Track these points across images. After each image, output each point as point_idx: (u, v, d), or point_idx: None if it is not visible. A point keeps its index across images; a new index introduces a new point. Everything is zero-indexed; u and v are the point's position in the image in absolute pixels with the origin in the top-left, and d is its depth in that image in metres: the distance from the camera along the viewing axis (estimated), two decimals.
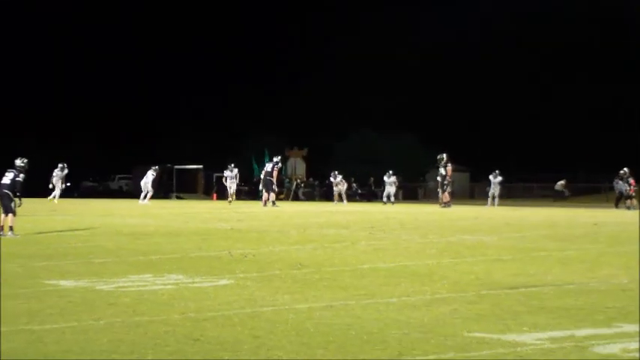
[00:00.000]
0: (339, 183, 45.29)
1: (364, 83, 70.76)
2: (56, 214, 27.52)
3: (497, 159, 56.96)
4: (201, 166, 63.98)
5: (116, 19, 75.37)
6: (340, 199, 44.54)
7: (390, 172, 45.64)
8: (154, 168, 41.82)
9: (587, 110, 66.48)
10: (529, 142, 66.45)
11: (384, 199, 44.10)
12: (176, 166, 62.41)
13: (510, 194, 53.71)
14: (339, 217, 27.10)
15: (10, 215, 19.03)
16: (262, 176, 38.14)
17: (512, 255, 14.75)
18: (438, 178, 37.88)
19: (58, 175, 41.29)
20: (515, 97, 67.89)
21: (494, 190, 43.01)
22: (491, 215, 28.76)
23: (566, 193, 54.64)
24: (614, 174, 44.07)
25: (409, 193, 59.45)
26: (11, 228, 18.90)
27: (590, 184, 56.88)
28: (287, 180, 58.19)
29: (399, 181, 46.95)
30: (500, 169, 43.90)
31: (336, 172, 45.44)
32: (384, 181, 45.69)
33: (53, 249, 16.13)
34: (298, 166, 61.30)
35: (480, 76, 68.26)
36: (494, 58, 68.25)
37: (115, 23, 75.25)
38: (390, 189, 44.70)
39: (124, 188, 69.46)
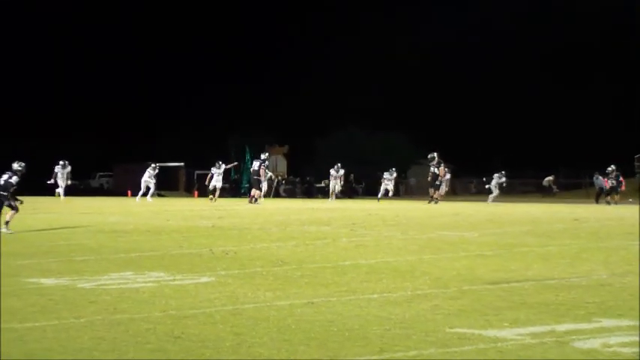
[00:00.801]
0: (338, 177, 43.99)
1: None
2: (38, 212, 27.40)
3: (481, 156, 57.19)
4: (182, 164, 63.87)
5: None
6: (332, 195, 43.54)
7: (393, 169, 45.55)
8: (153, 165, 41.71)
9: (568, 108, 66.81)
10: (512, 139, 66.65)
11: (380, 195, 43.89)
12: (157, 164, 62.25)
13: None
14: (321, 214, 27.12)
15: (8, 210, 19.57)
16: (250, 175, 38.23)
17: (493, 251, 14.80)
18: (430, 176, 37.98)
19: (60, 172, 41.22)
20: (501, 95, 68.06)
21: (494, 188, 43.14)
22: (473, 212, 28.84)
23: (554, 189, 54.87)
24: (594, 170, 44.38)
25: None
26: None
27: (571, 180, 57.21)
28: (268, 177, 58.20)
29: (382, 178, 46.76)
30: (484, 167, 44.17)
31: (339, 165, 44.33)
32: (383, 177, 45.37)
33: (34, 247, 16.07)
34: (279, 164, 61.38)
35: (469, 76, 68.35)
36: (487, 59, 68.40)
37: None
38: (389, 186, 44.46)
39: (105, 186, 69.23)
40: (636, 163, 57.49)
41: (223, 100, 74.03)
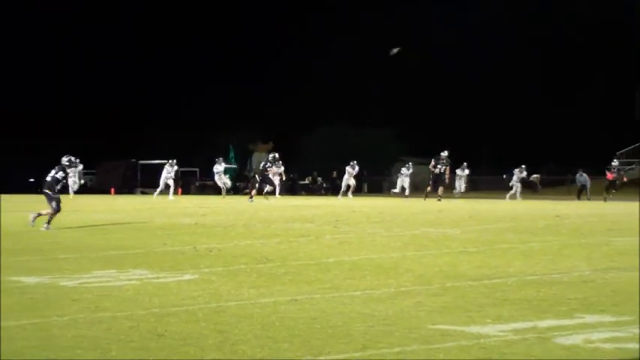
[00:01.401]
0: (353, 174, 43.26)
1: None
2: (21, 211, 27.28)
3: (466, 153, 57.16)
4: (166, 161, 63.67)
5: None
6: (346, 192, 42.97)
7: (410, 163, 45.05)
8: (170, 162, 41.45)
9: (553, 106, 67.05)
10: (501, 136, 66.66)
11: (398, 191, 43.24)
12: (140, 161, 62.12)
13: (477, 187, 53.93)
14: (305, 211, 27.13)
15: (49, 210, 19.90)
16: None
17: (476, 247, 14.84)
18: (435, 170, 37.80)
19: (72, 171, 41.00)
20: (497, 95, 68.05)
21: (516, 184, 43.06)
22: (456, 208, 28.91)
23: (539, 187, 55.01)
24: (575, 167, 44.53)
25: (374, 186, 59.61)
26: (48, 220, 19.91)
27: (553, 177, 57.41)
28: (252, 174, 58.17)
29: (364, 175, 46.32)
30: (469, 163, 44.13)
31: (355, 162, 43.50)
32: (400, 173, 44.72)
33: (16, 245, 16.01)
34: (263, 161, 61.25)
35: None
36: (476, 57, 68.39)
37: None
38: (406, 180, 43.72)
39: (89, 184, 68.98)
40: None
41: (209, 99, 73.88)
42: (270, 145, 63.12)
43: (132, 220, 23.03)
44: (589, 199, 40.39)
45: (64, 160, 20.43)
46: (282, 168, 38.22)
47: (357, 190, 43.25)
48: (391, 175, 62.24)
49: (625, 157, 57.96)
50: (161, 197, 39.76)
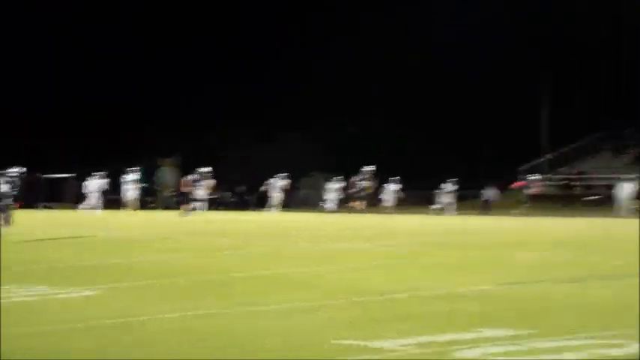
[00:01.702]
0: (284, 187, 42.82)
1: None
2: None
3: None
4: (73, 175, 62.57)
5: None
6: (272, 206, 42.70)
7: (336, 178, 44.86)
8: (100, 174, 40.54)
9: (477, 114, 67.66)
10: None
11: (334, 206, 42.73)
12: (44, 175, 60.82)
13: (404, 202, 53.91)
14: (215, 225, 27.08)
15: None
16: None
17: (384, 262, 15.03)
18: (357, 188, 38.11)
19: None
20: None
21: (446, 198, 43.37)
22: (369, 223, 29.18)
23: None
24: (484, 182, 45.20)
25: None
26: None
27: (462, 191, 57.99)
28: (158, 189, 57.69)
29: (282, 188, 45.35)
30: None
31: (285, 175, 42.93)
32: (327, 188, 44.33)
33: None
34: (170, 176, 60.67)
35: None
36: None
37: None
38: (333, 195, 43.21)
39: None
40: (520, 176, 58.76)
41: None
42: (179, 160, 62.63)
43: (34, 235, 22.63)
44: (490, 214, 41.04)
45: (13, 170, 19.81)
46: (214, 181, 38.07)
47: (261, 204, 43.07)
48: (299, 189, 62.04)
49: (527, 173, 58.84)
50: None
